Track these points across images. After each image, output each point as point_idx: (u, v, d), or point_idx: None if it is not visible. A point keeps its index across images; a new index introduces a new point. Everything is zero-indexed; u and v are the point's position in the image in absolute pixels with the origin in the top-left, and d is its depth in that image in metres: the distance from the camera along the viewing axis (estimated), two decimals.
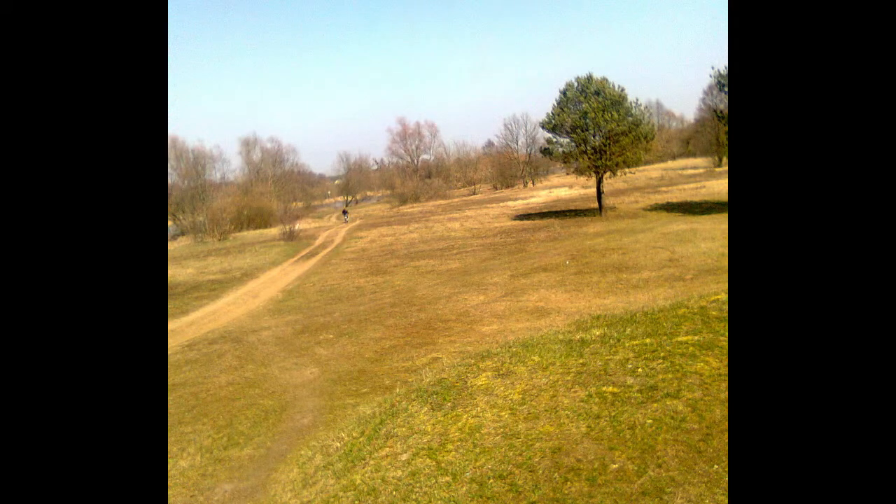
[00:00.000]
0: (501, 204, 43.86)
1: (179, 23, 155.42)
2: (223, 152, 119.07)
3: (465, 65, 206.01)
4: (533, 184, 69.37)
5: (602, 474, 4.13)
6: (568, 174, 37.16)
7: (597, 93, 28.11)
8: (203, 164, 62.78)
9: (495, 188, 69.76)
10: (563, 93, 29.22)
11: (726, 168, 44.03)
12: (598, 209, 29.84)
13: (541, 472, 4.32)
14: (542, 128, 31.45)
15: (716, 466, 3.94)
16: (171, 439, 7.31)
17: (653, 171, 56.35)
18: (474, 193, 66.29)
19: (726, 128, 30.49)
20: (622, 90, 28.49)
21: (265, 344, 12.20)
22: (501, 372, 6.45)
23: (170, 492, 5.96)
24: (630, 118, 28.26)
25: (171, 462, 6.68)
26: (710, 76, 40.95)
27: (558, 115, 29.07)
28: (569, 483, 4.12)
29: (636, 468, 4.10)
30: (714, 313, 6.83)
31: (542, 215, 32.75)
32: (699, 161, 60.78)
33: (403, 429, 5.74)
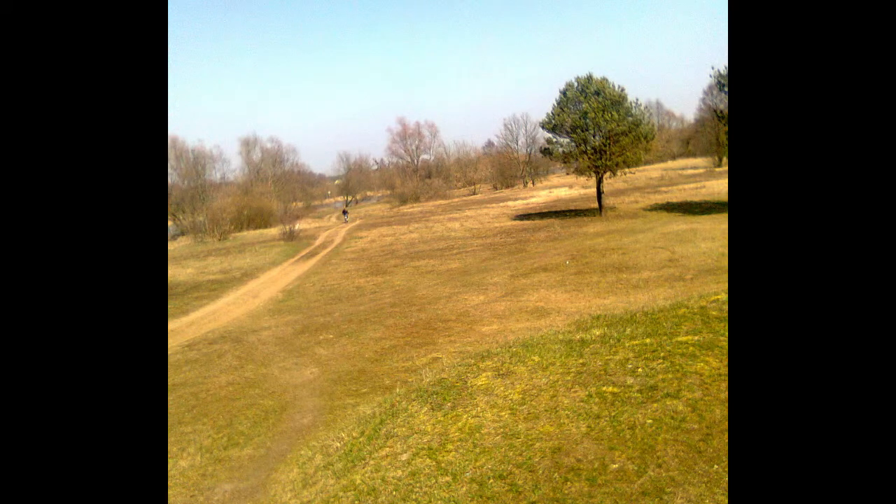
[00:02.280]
0: (501, 204, 43.86)
1: (179, 23, 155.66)
2: (223, 152, 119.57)
3: (465, 65, 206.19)
4: (533, 184, 69.37)
5: (602, 474, 4.13)
6: (568, 174, 37.16)
7: (597, 93, 28.12)
8: (203, 164, 62.88)
9: (495, 188, 69.74)
10: (563, 93, 29.23)
11: (726, 168, 44.02)
12: (598, 209, 29.85)
13: (541, 472, 4.32)
14: (542, 128, 31.47)
15: (716, 466, 3.94)
16: (171, 439, 7.31)
17: (653, 171, 56.35)
18: (474, 193, 66.26)
19: (726, 128, 30.49)
20: (622, 90, 28.51)
21: (265, 344, 12.20)
22: (501, 372, 6.45)
23: (170, 492, 5.96)
24: (630, 118, 28.27)
25: (171, 462, 6.68)
26: (710, 76, 41.05)
27: (558, 115, 29.08)
28: (569, 483, 4.12)
29: (636, 468, 4.10)
30: (714, 313, 6.83)
31: (542, 215, 32.76)
32: (699, 161, 60.76)
33: (403, 429, 5.74)
